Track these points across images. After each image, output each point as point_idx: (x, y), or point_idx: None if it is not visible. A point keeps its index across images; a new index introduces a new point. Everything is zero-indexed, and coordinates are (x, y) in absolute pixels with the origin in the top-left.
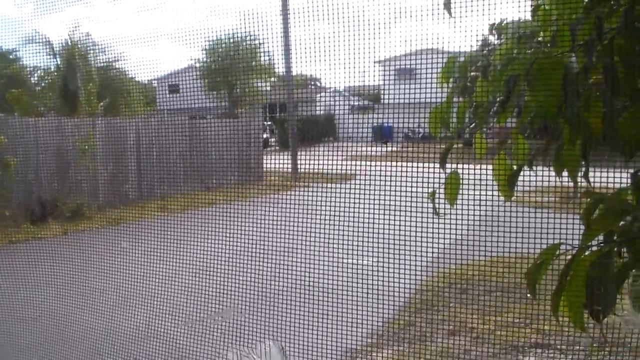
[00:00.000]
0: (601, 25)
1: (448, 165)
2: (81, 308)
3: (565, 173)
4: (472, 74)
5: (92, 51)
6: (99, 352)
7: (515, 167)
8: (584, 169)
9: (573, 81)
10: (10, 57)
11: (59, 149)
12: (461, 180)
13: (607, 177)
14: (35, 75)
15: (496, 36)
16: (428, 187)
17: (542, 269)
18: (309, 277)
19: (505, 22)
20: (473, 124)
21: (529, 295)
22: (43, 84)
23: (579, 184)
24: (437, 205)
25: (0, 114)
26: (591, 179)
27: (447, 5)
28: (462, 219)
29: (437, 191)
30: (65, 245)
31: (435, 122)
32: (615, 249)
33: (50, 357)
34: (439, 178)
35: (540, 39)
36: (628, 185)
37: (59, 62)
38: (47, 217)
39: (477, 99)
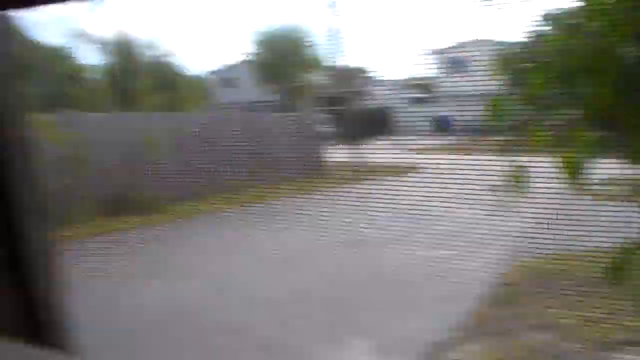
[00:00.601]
0: None
1: (511, 158)
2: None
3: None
4: (526, 65)
5: (148, 48)
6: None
7: (579, 160)
8: None
9: (632, 71)
10: (67, 54)
11: (125, 143)
12: (526, 172)
13: None
14: (94, 72)
15: (548, 26)
16: (492, 179)
17: (625, 266)
18: (375, 269)
19: (556, 11)
20: (529, 116)
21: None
22: (102, 81)
23: None
24: (501, 198)
25: (65, 110)
26: None
27: None
28: (528, 212)
29: (502, 184)
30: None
31: (493, 113)
32: None
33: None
34: (501, 170)
35: (593, 28)
36: None
37: (115, 59)
38: (119, 210)
39: (532, 91)
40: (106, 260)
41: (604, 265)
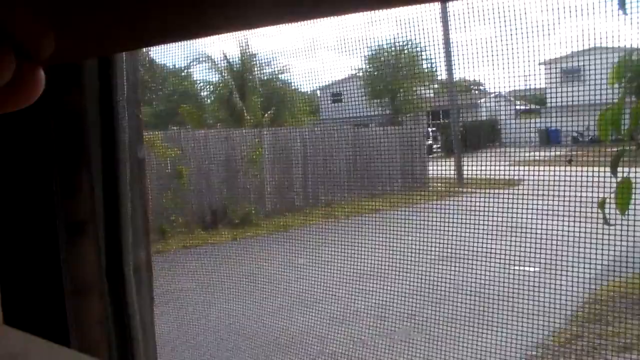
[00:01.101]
0: None
1: (620, 171)
2: (248, 310)
3: None
4: None
5: (257, 65)
6: (264, 352)
7: None
8: None
9: None
10: (182, 74)
11: (227, 158)
12: (634, 187)
13: None
14: (205, 90)
15: None
16: (598, 193)
17: None
18: (474, 284)
19: None
20: None
21: None
22: (212, 98)
23: None
24: (607, 214)
25: (174, 128)
26: None
27: (622, 3)
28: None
29: (608, 199)
30: (234, 250)
31: (605, 125)
32: None
33: (219, 355)
34: (610, 184)
35: None
36: None
37: (226, 77)
38: (218, 223)
39: None
40: (193, 273)
41: None
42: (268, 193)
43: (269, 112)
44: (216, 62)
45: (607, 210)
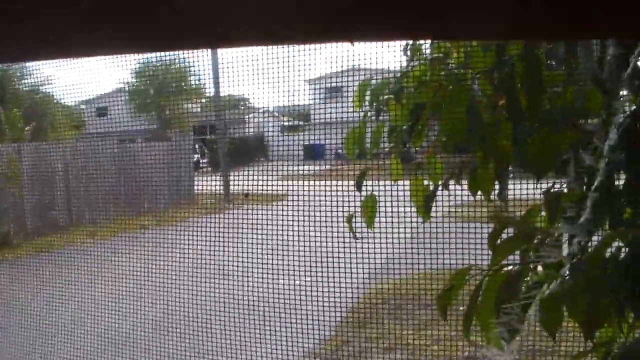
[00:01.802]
0: (502, 53)
1: (365, 187)
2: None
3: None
4: (386, 97)
5: (17, 74)
6: None
7: (432, 188)
8: (497, 189)
9: (476, 108)
10: None
11: None
12: (378, 202)
13: (527, 191)
14: None
15: (409, 58)
16: (349, 207)
17: (452, 294)
18: (243, 298)
19: (417, 44)
20: (389, 147)
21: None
22: None
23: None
24: (356, 228)
25: None
26: (511, 194)
27: None
28: (386, 239)
29: (355, 214)
30: None
31: (350, 144)
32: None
33: None
34: (359, 199)
35: (451, 61)
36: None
37: None
38: None
39: (392, 122)
40: None
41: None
42: (28, 212)
43: (29, 126)
44: None
45: (357, 225)
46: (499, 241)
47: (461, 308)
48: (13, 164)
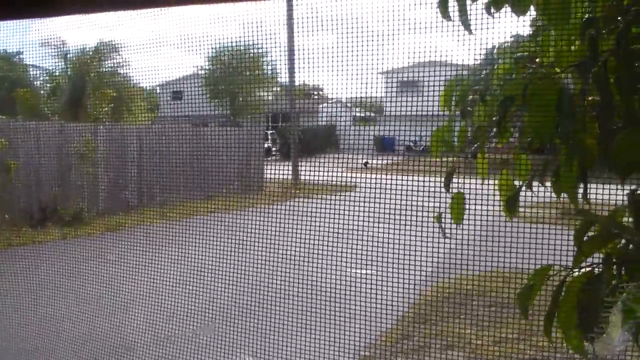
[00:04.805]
0: (596, 46)
1: (437, 184)
2: (76, 313)
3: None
4: (471, 97)
5: (97, 57)
6: (93, 356)
7: (518, 185)
8: (582, 188)
9: (568, 102)
10: (14, 59)
11: (59, 153)
12: (466, 200)
13: (609, 195)
14: (41, 78)
15: (496, 57)
16: (428, 200)
17: (533, 292)
18: (309, 287)
19: (505, 43)
20: (475, 145)
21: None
22: (48, 87)
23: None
24: (443, 225)
25: (2, 117)
26: (592, 198)
27: (465, 23)
28: (464, 234)
29: (444, 211)
30: (63, 249)
31: (437, 143)
32: (615, 270)
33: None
34: (440, 193)
35: (538, 60)
36: (625, 204)
37: (64, 66)
38: (47, 221)
39: (477, 121)
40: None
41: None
42: (101, 191)
43: (107, 107)
44: (56, 50)
45: (442, 222)
46: (585, 238)
47: (537, 309)
48: (89, 144)
